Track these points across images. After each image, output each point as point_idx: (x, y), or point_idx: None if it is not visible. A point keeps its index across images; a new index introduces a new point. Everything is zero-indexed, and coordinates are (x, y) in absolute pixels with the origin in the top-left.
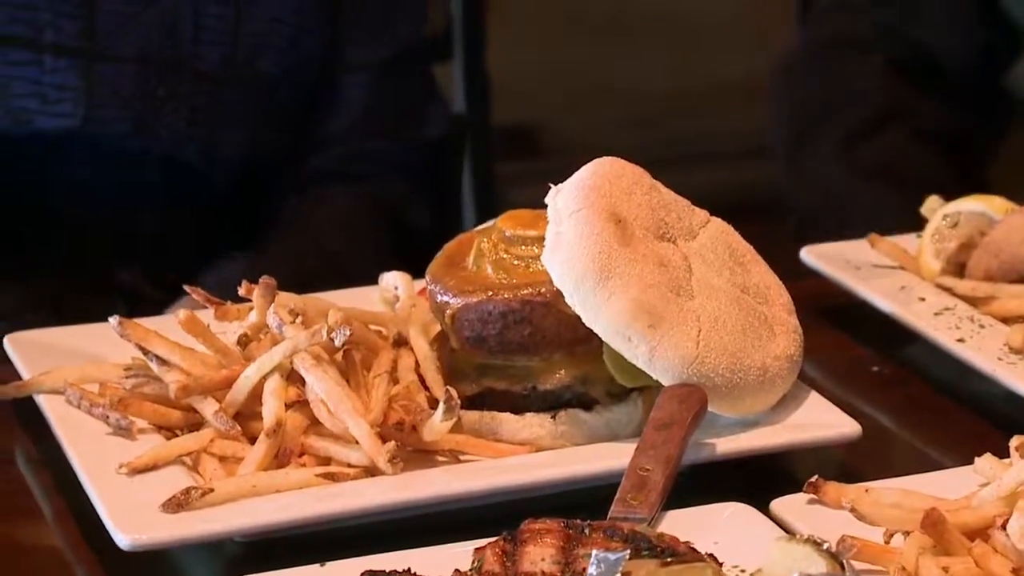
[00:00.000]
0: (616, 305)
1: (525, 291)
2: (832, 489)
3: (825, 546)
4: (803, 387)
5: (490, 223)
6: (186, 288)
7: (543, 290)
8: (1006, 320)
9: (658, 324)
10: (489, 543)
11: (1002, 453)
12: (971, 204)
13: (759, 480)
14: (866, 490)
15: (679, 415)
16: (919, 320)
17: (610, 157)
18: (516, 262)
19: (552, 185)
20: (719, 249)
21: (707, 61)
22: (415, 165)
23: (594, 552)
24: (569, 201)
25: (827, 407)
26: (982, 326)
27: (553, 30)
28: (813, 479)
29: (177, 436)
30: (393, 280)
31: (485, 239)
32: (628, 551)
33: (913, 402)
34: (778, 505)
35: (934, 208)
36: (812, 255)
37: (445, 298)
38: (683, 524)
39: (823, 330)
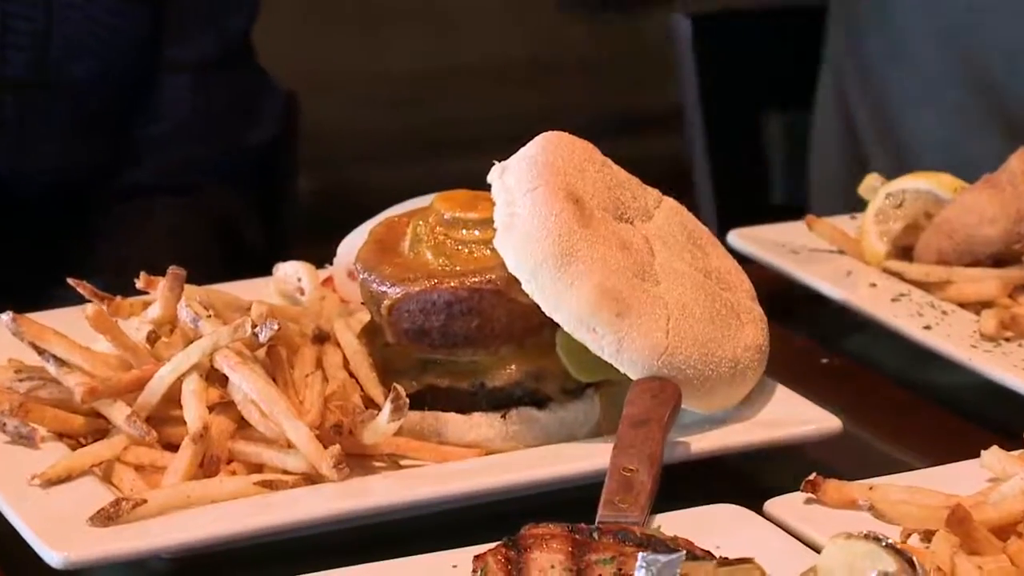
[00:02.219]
0: (579, 292)
1: (473, 278)
2: (832, 488)
3: (885, 543)
4: (768, 381)
5: (413, 202)
6: (70, 282)
7: (493, 277)
8: (963, 305)
9: (625, 312)
10: (490, 550)
11: (978, 447)
12: (916, 182)
13: (731, 480)
14: (870, 488)
15: (655, 411)
16: (878, 308)
17: (556, 132)
18: (459, 247)
19: (496, 162)
20: (676, 231)
21: (463, 43)
22: (243, 173)
23: (641, 555)
24: (522, 179)
25: (799, 401)
26: (944, 312)
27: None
28: (811, 477)
29: (82, 444)
30: (294, 271)
31: (421, 222)
32: (684, 552)
33: (871, 395)
34: (773, 505)
35: (874, 187)
36: (742, 239)
37: (382, 288)
38: (676, 527)
39: None
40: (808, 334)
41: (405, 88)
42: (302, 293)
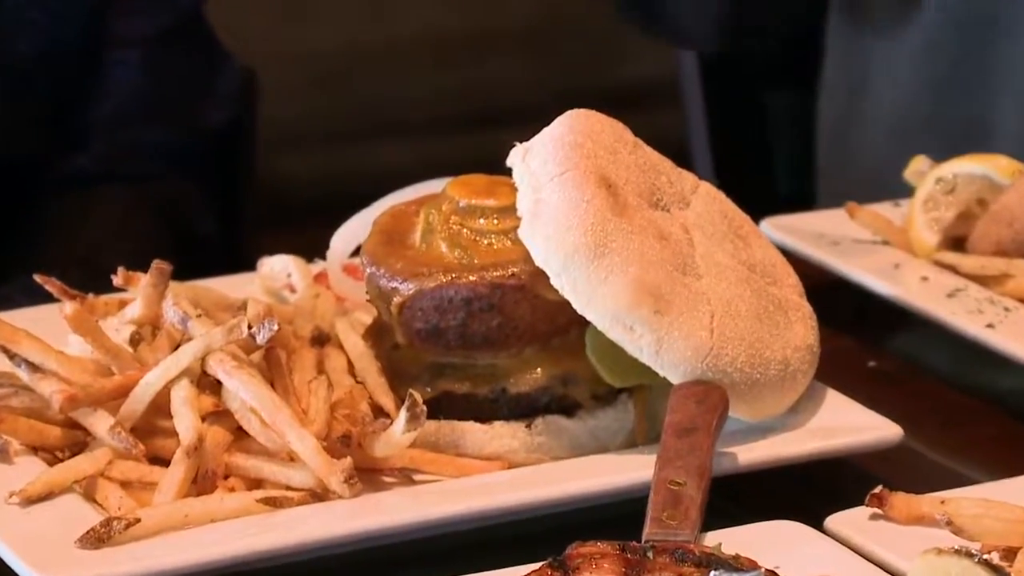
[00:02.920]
0: (615, 287)
1: (494, 272)
2: (900, 501)
3: (979, 558)
4: (818, 385)
5: (417, 188)
6: (37, 278)
7: (516, 271)
8: None
9: (666, 309)
10: (534, 571)
11: None
12: (969, 165)
13: (781, 495)
14: (942, 501)
15: (701, 418)
16: (934, 305)
17: (583, 109)
18: (477, 238)
19: (516, 143)
20: (716, 219)
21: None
22: (197, 159)
23: (713, 573)
24: (549, 163)
25: (853, 407)
26: (1007, 309)
27: None
28: (877, 490)
29: (59, 459)
30: (283, 266)
31: (433, 211)
32: (763, 570)
33: (924, 402)
34: (836, 522)
35: (922, 170)
36: (776, 228)
37: (392, 284)
38: (733, 546)
39: None
40: (852, 334)
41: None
42: (292, 291)
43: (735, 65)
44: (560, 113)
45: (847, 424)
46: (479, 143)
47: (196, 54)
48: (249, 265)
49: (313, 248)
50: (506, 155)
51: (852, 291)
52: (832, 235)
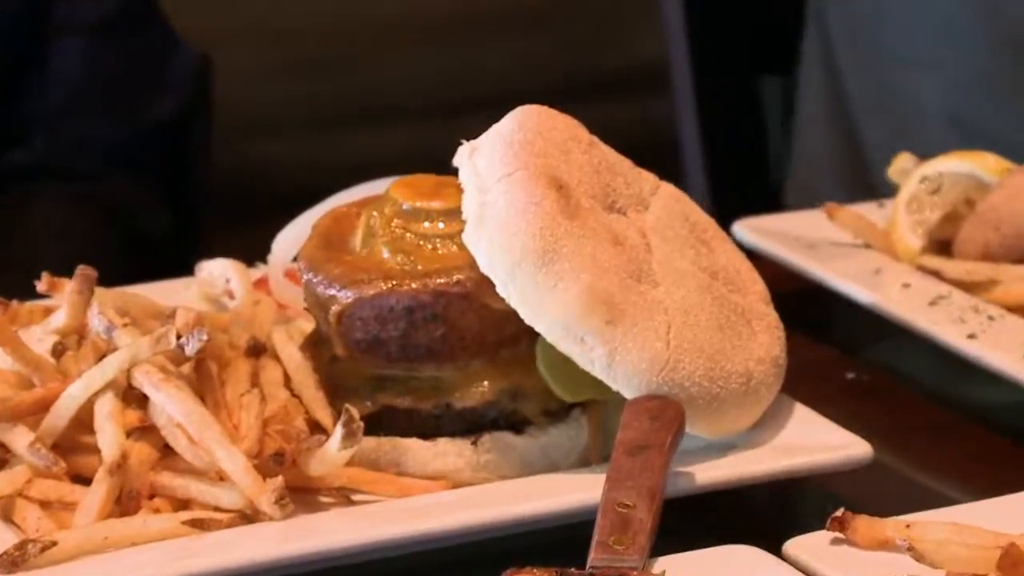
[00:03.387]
0: (565, 295)
1: (438, 279)
2: (863, 525)
3: None
4: (785, 399)
5: (362, 188)
6: None
7: (461, 278)
8: (1012, 310)
9: (619, 319)
10: None
11: None
12: (955, 163)
13: (742, 517)
14: (907, 525)
15: (655, 435)
16: (912, 313)
17: (535, 105)
18: (420, 242)
19: (463, 141)
20: (676, 222)
21: None
22: (147, 154)
23: None
24: (496, 162)
25: (822, 424)
26: (991, 318)
27: None
28: (838, 513)
29: None
30: (221, 270)
31: (375, 213)
32: None
33: (904, 416)
34: (795, 546)
35: (906, 168)
36: (748, 230)
37: (329, 291)
38: (682, 572)
39: None
40: (830, 343)
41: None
42: (231, 297)
43: (726, 50)
44: (552, 100)
45: (814, 441)
46: (471, 131)
47: (144, 42)
48: (190, 268)
49: (246, 248)
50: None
51: (829, 297)
52: (809, 237)
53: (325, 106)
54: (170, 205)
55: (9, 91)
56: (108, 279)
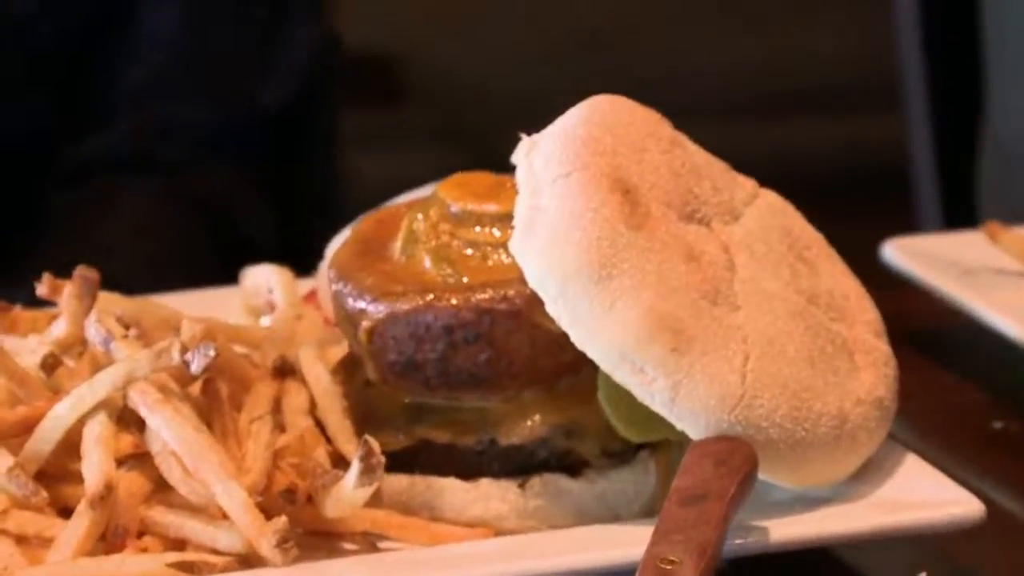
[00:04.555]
0: (623, 316)
1: (483, 294)
2: None
3: None
4: (894, 446)
5: (414, 191)
6: None
7: (510, 293)
8: None
9: (686, 347)
10: None
11: None
12: None
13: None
14: None
15: (716, 483)
16: None
17: (609, 95)
18: (468, 251)
19: (523, 136)
20: (773, 237)
21: None
22: (251, 146)
23: None
24: (552, 161)
25: (930, 475)
26: None
27: None
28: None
29: None
30: (265, 278)
31: (419, 216)
32: None
33: None
34: None
35: None
36: (899, 253)
37: (359, 304)
38: None
39: (916, 365)
40: (978, 387)
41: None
42: (273, 310)
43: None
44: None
45: (916, 497)
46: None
47: (253, 10)
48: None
49: None
50: None
51: (983, 333)
52: (967, 262)
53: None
54: (278, 207)
55: (87, 64)
56: (200, 285)
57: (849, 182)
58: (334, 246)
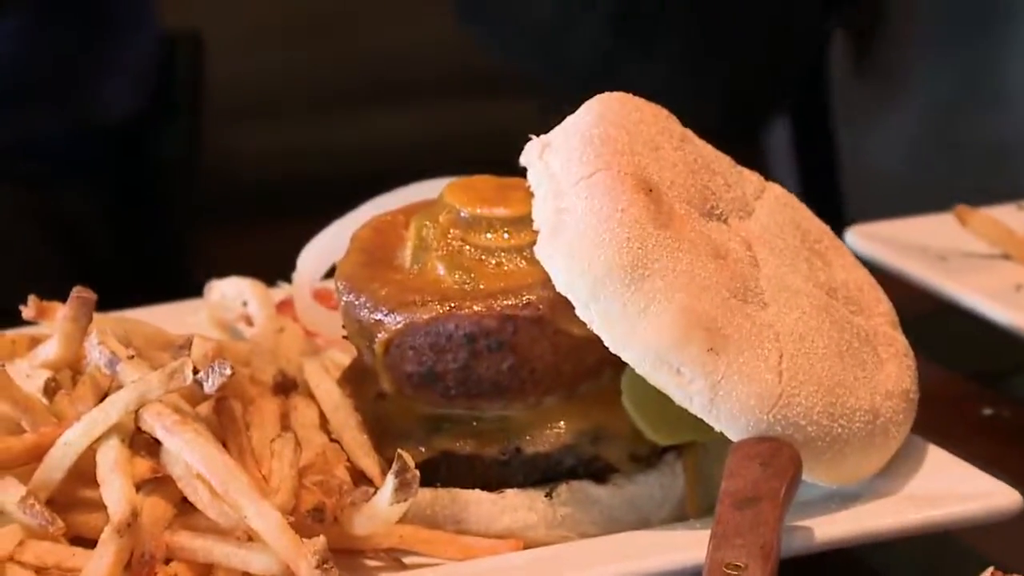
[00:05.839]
0: (659, 319)
1: (505, 301)
2: None
3: None
4: (916, 440)
5: (406, 191)
6: None
7: (533, 299)
8: None
9: (722, 347)
10: None
11: None
12: None
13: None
14: None
15: (767, 484)
16: None
17: (617, 93)
18: (482, 257)
19: (532, 136)
20: (786, 231)
21: None
22: (99, 155)
23: None
24: (573, 161)
25: (960, 468)
26: None
27: None
28: (987, 572)
29: None
30: (237, 291)
31: (427, 223)
32: None
33: None
34: None
35: None
36: (864, 238)
37: (376, 316)
38: None
39: None
40: (964, 375)
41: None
42: (249, 323)
43: None
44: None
45: (952, 489)
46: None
47: (99, 10)
48: (175, 291)
49: (264, 259)
50: (516, 131)
51: (961, 318)
52: (938, 247)
53: (310, 83)
54: (125, 221)
55: None
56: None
57: None
58: (310, 252)
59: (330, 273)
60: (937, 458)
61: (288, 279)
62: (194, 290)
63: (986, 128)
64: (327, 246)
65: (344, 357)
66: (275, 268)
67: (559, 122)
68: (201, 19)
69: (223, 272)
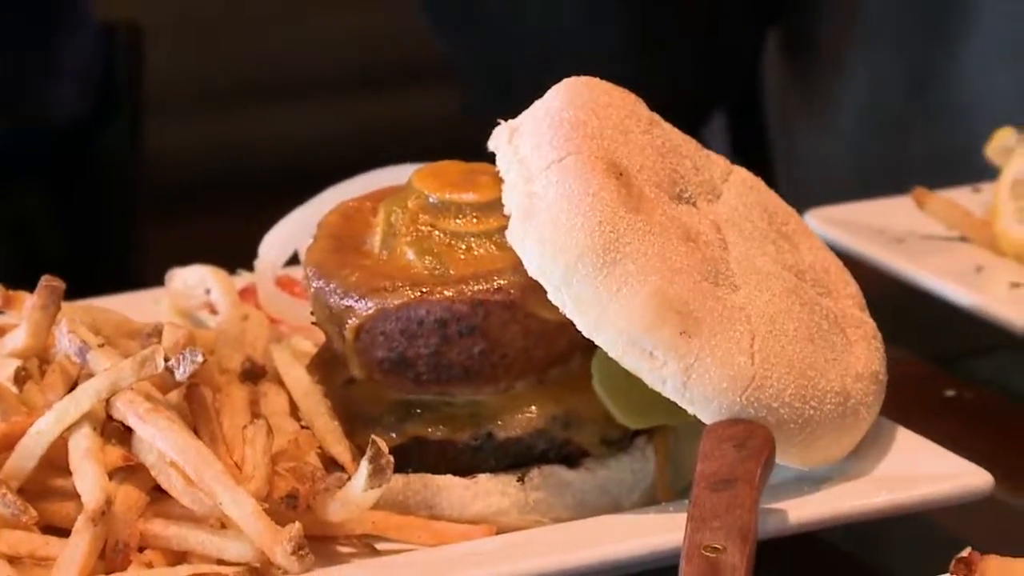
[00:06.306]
0: (631, 301)
1: (475, 286)
2: (994, 568)
3: None
4: (884, 422)
5: (371, 176)
6: None
7: (504, 283)
8: None
9: (695, 329)
10: None
11: None
12: None
13: (839, 559)
14: None
15: (742, 466)
16: None
17: (584, 77)
18: (451, 242)
19: (500, 121)
20: (754, 214)
21: None
22: (41, 154)
23: None
24: (543, 146)
25: (929, 449)
26: None
27: None
28: (964, 553)
29: None
30: (200, 279)
31: (396, 208)
32: None
33: (1014, 439)
34: None
35: (1009, 146)
36: (822, 222)
37: (346, 302)
38: None
39: None
40: (924, 356)
41: None
42: (212, 311)
43: None
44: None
45: (923, 471)
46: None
47: (39, 16)
48: (128, 287)
49: (203, 248)
50: (447, 119)
51: (921, 301)
52: (896, 230)
53: (234, 77)
54: (71, 214)
55: None
56: None
57: None
58: (272, 239)
59: (293, 260)
60: (907, 440)
61: (244, 268)
62: (147, 284)
63: (932, 137)
64: (289, 233)
65: (309, 344)
66: (228, 258)
67: (483, 122)
68: (135, 8)
69: (169, 266)
